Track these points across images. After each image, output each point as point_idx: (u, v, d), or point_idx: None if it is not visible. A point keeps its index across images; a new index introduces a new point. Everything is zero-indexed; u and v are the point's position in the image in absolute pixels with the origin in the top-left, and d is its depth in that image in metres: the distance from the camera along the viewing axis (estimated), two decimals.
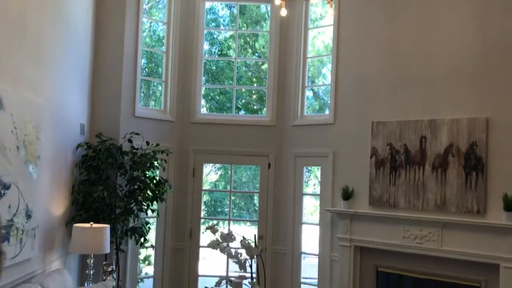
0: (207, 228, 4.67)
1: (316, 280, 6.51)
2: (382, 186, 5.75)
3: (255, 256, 4.63)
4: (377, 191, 5.79)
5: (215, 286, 4.53)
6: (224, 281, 4.36)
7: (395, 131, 5.70)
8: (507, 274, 4.84)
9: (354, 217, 5.92)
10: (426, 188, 5.43)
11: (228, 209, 8.76)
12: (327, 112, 6.71)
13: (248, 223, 9.28)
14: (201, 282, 6.79)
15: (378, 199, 5.77)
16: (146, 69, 8.54)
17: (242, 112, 11.02)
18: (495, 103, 5.12)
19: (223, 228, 6.89)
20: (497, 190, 5.00)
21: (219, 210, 11.77)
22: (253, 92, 10.58)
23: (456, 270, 5.26)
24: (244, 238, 4.76)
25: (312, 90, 8.71)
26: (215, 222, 7.41)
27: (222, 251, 4.70)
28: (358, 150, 6.02)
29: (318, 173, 7.21)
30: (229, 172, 8.45)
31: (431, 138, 5.45)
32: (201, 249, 6.79)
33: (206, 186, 10.69)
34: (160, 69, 7.15)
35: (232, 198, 8.76)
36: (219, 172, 11.53)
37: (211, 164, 10.46)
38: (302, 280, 6.69)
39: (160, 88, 7.17)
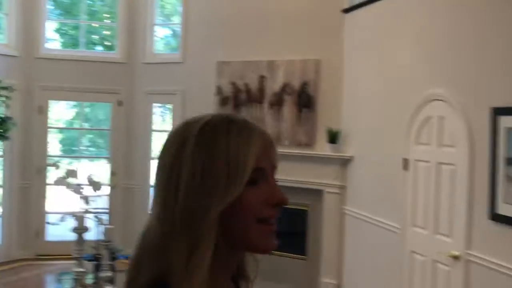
0: (48, 165, 4.75)
1: None
2: None
3: (100, 191, 4.83)
4: None
5: (59, 221, 4.68)
6: (67, 216, 4.51)
7: (238, 71, 6.07)
8: (329, 198, 5.57)
9: None
10: (264, 124, 5.91)
11: (83, 147, 8.73)
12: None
13: (105, 160, 9.31)
14: (49, 219, 6.82)
15: None
16: None
17: (100, 48, 10.72)
18: (324, 46, 5.66)
19: (77, 166, 6.91)
20: (323, 125, 5.63)
21: (74, 148, 11.56)
22: (108, 28, 10.30)
23: (289, 196, 5.86)
24: (90, 175, 4.91)
25: (171, 28, 8.75)
26: (57, 159, 7.36)
27: (68, 187, 4.83)
28: (205, 88, 6.32)
29: None
30: (84, 109, 8.37)
31: (269, 77, 5.90)
32: (49, 187, 6.78)
33: (61, 124, 10.46)
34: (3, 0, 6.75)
35: (90, 136, 8.71)
36: (75, 110, 11.24)
37: (65, 102, 10.16)
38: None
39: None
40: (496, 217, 3.26)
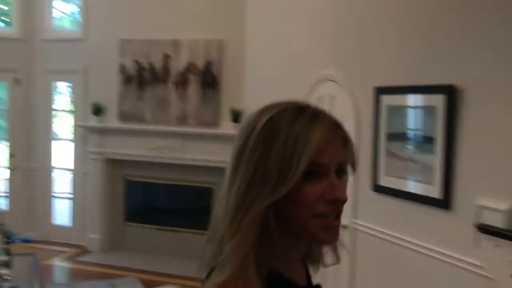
0: None
1: (69, 194, 6.73)
2: (130, 102, 6.10)
3: None
4: (126, 106, 6.12)
5: None
6: None
7: (142, 49, 6.01)
8: None
9: (104, 132, 6.21)
10: (169, 103, 5.93)
11: None
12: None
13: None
14: None
15: (127, 114, 6.12)
16: None
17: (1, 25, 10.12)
18: (227, 26, 5.74)
19: None
20: (227, 105, 5.73)
21: None
22: (5, 2, 9.77)
23: (197, 175, 5.99)
24: None
25: (78, 4, 8.44)
26: None
27: None
28: (108, 66, 6.21)
29: None
30: None
31: (174, 57, 5.90)
32: None
33: None
34: None
35: None
36: None
37: None
38: (56, 194, 6.83)
39: None
40: (378, 188, 3.52)
